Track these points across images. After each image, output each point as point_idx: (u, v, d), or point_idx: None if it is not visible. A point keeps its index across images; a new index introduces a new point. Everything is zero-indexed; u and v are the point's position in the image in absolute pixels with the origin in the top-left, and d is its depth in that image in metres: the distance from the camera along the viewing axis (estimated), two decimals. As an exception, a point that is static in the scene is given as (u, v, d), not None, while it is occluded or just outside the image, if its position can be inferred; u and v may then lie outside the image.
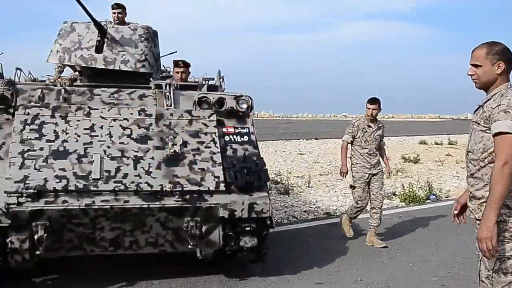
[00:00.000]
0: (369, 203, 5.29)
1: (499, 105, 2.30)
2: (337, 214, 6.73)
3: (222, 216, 3.44)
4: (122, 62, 4.40)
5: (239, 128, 3.82)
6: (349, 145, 5.38)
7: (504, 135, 2.26)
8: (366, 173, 5.21)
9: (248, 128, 3.85)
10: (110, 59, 4.37)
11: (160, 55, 4.99)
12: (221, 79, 4.57)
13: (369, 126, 5.30)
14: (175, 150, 3.48)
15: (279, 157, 12.01)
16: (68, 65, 4.88)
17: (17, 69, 4.89)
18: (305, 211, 6.73)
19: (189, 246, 3.50)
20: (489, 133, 2.33)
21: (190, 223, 3.41)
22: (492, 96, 2.39)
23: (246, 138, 3.77)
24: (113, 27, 4.58)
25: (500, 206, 2.23)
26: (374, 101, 5.28)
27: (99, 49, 4.36)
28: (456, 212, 2.65)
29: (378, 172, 5.28)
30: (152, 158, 3.45)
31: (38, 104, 3.57)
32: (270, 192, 7.88)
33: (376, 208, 5.22)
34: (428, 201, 7.87)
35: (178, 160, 3.47)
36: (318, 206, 7.15)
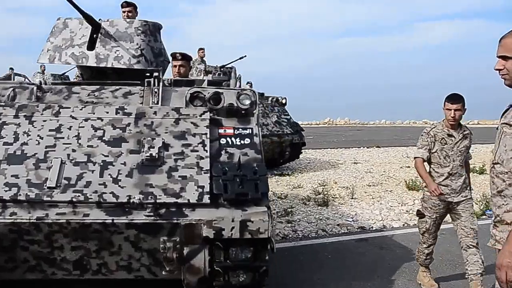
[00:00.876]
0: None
1: None
2: (373, 228, 6.31)
3: (207, 236, 2.82)
4: (115, 58, 4.04)
5: (240, 129, 3.21)
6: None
7: None
8: (444, 201, 3.86)
9: (252, 128, 3.22)
10: (103, 56, 4.04)
11: (163, 50, 4.47)
12: (237, 79, 4.13)
13: (450, 136, 3.85)
14: (151, 154, 2.94)
15: (331, 166, 11.60)
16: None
17: (16, 74, 4.56)
18: (338, 225, 6.35)
19: (164, 273, 2.96)
20: None
21: (167, 244, 2.81)
22: None
23: (247, 140, 3.16)
24: (107, 20, 4.21)
25: None
26: (456, 98, 3.79)
27: (93, 46, 4.05)
28: None
29: (464, 200, 3.86)
30: (124, 163, 2.94)
31: (3, 104, 3.21)
32: (307, 203, 7.65)
33: (471, 247, 3.76)
34: (484, 217, 7.12)
35: (154, 166, 2.93)
36: (356, 219, 6.73)
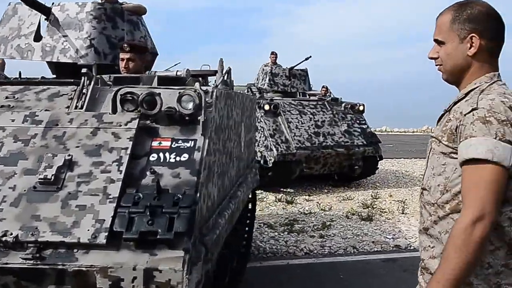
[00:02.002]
0: None
1: (475, 108, 1.40)
2: (410, 247, 5.87)
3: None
4: (62, 51, 3.51)
5: (180, 141, 2.46)
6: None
7: (479, 165, 1.35)
8: None
9: (195, 140, 2.45)
10: (49, 48, 3.54)
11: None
12: (225, 73, 3.15)
13: None
14: (46, 176, 2.27)
15: (395, 177, 11.00)
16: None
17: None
18: (373, 242, 6.02)
19: None
20: (456, 158, 1.44)
21: None
22: (465, 94, 1.50)
23: (184, 156, 2.40)
24: (58, 5, 3.69)
25: None
26: None
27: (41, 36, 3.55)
28: None
29: None
30: (13, 187, 2.28)
31: None
32: (351, 217, 7.29)
33: None
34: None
35: (49, 191, 2.26)
36: (397, 237, 6.32)
